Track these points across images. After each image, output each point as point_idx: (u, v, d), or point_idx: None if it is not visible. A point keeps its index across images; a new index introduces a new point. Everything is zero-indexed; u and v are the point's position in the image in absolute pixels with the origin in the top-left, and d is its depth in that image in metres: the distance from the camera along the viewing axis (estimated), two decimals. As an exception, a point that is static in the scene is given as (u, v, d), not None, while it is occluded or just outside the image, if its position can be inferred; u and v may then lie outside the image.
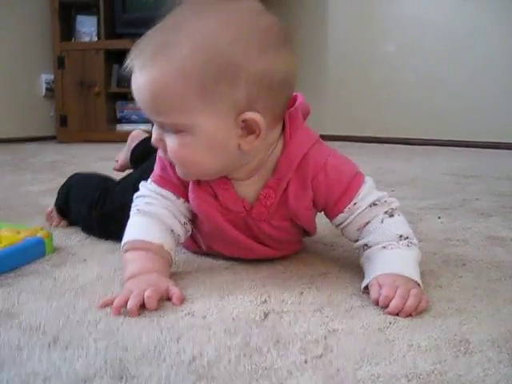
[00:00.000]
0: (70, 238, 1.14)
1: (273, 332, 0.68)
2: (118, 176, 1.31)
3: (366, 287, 0.82)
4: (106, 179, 1.27)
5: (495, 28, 3.34)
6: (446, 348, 0.64)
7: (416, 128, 3.61)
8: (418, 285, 0.79)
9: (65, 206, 1.25)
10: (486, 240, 1.15)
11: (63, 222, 1.27)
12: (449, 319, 0.72)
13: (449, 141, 3.43)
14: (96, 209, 1.14)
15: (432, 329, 0.69)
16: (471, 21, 3.41)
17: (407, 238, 0.86)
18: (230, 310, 0.75)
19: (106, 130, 3.82)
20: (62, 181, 1.32)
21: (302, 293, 0.82)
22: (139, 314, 0.73)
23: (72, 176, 1.33)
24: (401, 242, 0.85)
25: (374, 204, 0.88)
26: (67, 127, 3.88)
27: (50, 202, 1.43)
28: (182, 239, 0.93)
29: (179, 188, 0.91)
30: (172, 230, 0.89)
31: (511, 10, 3.29)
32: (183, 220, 0.92)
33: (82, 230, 1.19)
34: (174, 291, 0.78)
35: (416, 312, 0.74)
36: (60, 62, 3.82)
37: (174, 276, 0.89)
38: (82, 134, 3.85)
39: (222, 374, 0.58)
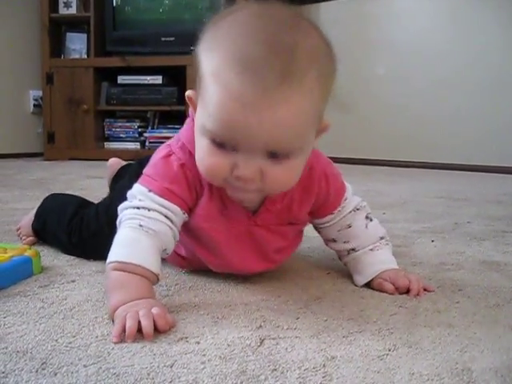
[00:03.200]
0: (58, 258, 1.11)
1: (269, 359, 0.65)
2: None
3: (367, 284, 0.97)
4: (81, 204, 1.22)
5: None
6: (449, 377, 0.62)
7: (399, 150, 3.62)
8: None
9: (42, 231, 1.23)
10: (480, 264, 1.14)
11: (31, 239, 1.25)
12: (449, 346, 0.70)
13: (433, 163, 3.45)
14: (74, 236, 1.12)
15: (433, 356, 0.67)
16: (474, 46, 3.41)
17: (384, 237, 1.00)
18: (225, 335, 0.72)
19: (93, 147, 3.80)
20: (49, 199, 1.31)
21: (297, 318, 0.80)
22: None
23: (47, 198, 1.30)
24: (382, 242, 1.00)
25: (357, 209, 0.99)
26: (54, 144, 3.85)
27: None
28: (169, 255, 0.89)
29: (185, 203, 0.87)
30: (165, 249, 0.85)
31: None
32: (178, 237, 0.88)
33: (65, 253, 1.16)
34: (169, 318, 0.74)
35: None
36: (49, 79, 3.80)
37: (165, 298, 0.86)
38: (69, 151, 3.82)
39: (218, 404, 0.55)
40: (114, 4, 3.79)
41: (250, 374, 0.61)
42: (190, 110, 0.88)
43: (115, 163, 1.52)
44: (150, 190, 0.85)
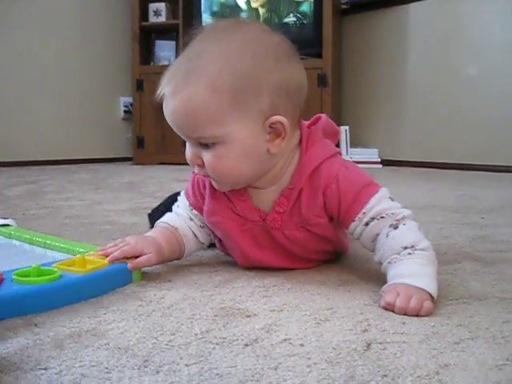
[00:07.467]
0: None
1: (378, 364, 0.62)
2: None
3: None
4: None
5: None
6: None
7: (497, 154, 3.46)
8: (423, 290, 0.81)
9: None
10: None
11: None
12: None
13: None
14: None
15: (558, 369, 0.61)
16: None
17: (412, 246, 0.87)
18: (329, 337, 0.69)
19: (181, 152, 3.83)
20: (141, 200, 1.34)
21: (403, 322, 0.75)
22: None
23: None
24: (402, 253, 0.87)
25: (382, 216, 0.91)
26: (144, 149, 3.93)
27: (129, 220, 1.42)
28: (202, 241, 1.07)
29: (194, 202, 1.04)
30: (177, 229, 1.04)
31: None
32: (187, 220, 1.05)
33: None
34: (141, 260, 0.95)
35: (421, 313, 0.78)
36: (139, 85, 3.89)
37: (264, 298, 0.84)
38: (157, 156, 3.89)
39: (328, 409, 0.52)
40: (203, 11, 3.84)
41: (358, 380, 0.58)
42: None
43: None
44: (184, 196, 1.08)
